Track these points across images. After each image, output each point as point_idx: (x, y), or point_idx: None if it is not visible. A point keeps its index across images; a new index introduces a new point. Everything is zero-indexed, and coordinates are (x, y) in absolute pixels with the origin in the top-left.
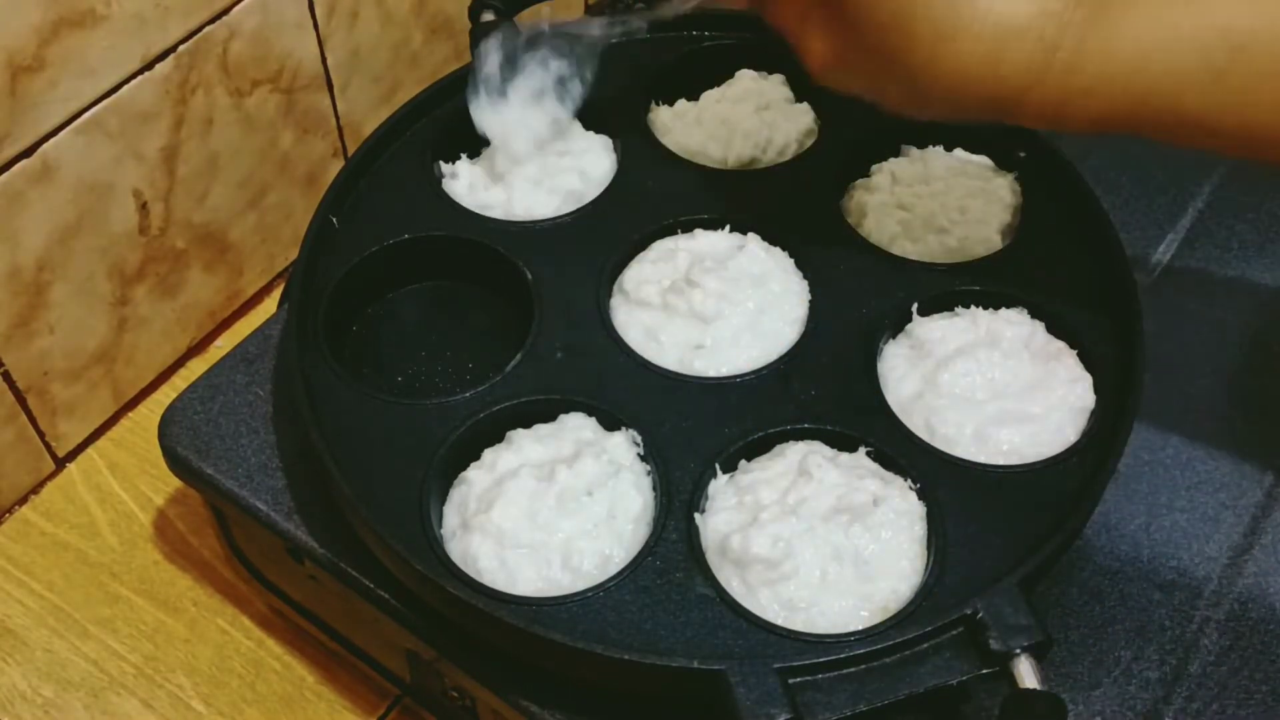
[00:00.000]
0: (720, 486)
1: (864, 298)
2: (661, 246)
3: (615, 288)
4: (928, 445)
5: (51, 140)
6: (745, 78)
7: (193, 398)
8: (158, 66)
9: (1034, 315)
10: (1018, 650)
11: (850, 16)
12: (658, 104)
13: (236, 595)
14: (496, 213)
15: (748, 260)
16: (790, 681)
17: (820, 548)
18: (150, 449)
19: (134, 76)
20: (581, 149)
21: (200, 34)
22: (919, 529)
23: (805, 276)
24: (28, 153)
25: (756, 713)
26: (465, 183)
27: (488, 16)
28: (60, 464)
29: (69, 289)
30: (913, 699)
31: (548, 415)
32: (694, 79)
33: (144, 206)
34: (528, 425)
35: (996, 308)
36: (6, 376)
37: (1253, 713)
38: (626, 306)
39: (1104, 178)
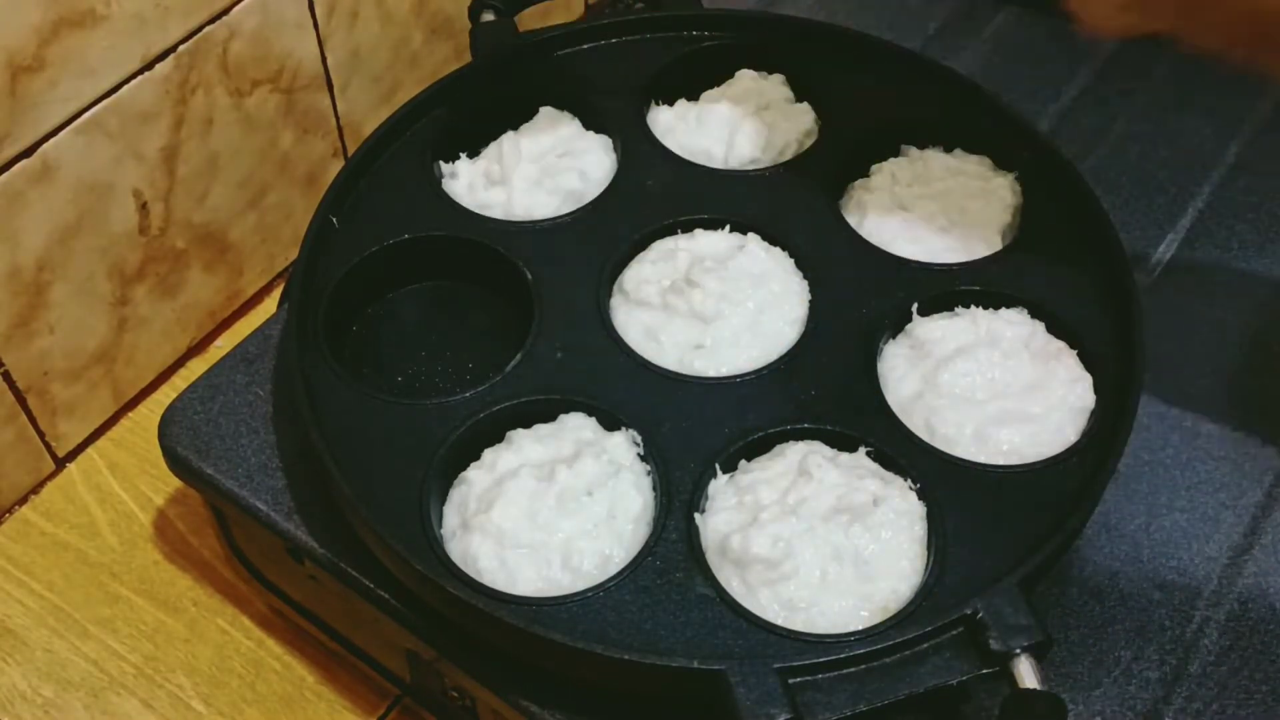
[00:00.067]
0: (720, 486)
1: (864, 298)
2: (661, 246)
3: (615, 288)
4: (928, 445)
5: (51, 140)
6: (745, 78)
7: (193, 398)
8: (158, 66)
9: (1034, 315)
10: (1018, 650)
11: None
12: (658, 104)
13: (236, 595)
14: (496, 213)
15: (748, 260)
16: (790, 681)
17: (820, 548)
18: (150, 449)
19: (134, 76)
20: (581, 149)
21: (200, 34)
22: (919, 529)
23: (805, 276)
24: (28, 153)
25: (756, 713)
26: (465, 183)
27: (488, 16)
28: (60, 464)
29: (69, 289)
30: (913, 699)
31: (548, 415)
32: (694, 79)
33: (144, 206)
34: (528, 425)
35: (996, 308)
36: (6, 376)
37: (1253, 713)
38: (626, 306)
39: (1104, 178)
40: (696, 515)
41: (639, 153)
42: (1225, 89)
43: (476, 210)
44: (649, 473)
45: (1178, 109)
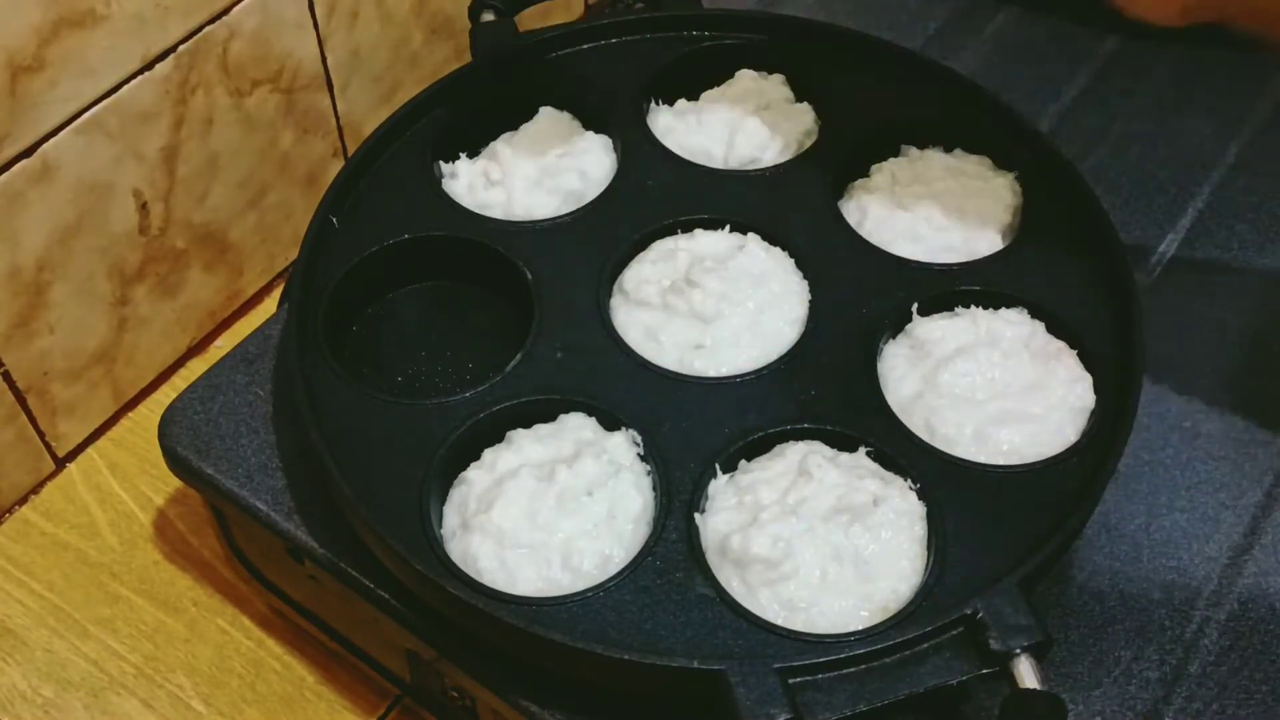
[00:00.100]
0: (720, 486)
1: (864, 298)
2: (661, 246)
3: (615, 288)
4: (928, 445)
5: (51, 140)
6: (745, 78)
7: (193, 398)
8: (158, 66)
9: (1034, 315)
10: (1018, 650)
11: None
12: (658, 104)
13: (236, 595)
14: (496, 213)
15: (748, 260)
16: (790, 681)
17: (820, 548)
18: (150, 449)
19: (134, 76)
20: (581, 149)
21: (200, 34)
22: (919, 529)
23: (805, 276)
24: (28, 153)
25: (756, 713)
26: (465, 183)
27: (488, 16)
28: (60, 464)
29: (69, 289)
30: (913, 699)
31: (548, 415)
32: (694, 79)
33: (144, 206)
34: (528, 425)
35: (996, 308)
36: (6, 376)
37: (1253, 713)
38: (626, 306)
39: (1104, 178)
40: (696, 515)
41: (639, 153)
42: (1225, 89)
43: (476, 210)
44: (649, 473)
45: (1178, 109)
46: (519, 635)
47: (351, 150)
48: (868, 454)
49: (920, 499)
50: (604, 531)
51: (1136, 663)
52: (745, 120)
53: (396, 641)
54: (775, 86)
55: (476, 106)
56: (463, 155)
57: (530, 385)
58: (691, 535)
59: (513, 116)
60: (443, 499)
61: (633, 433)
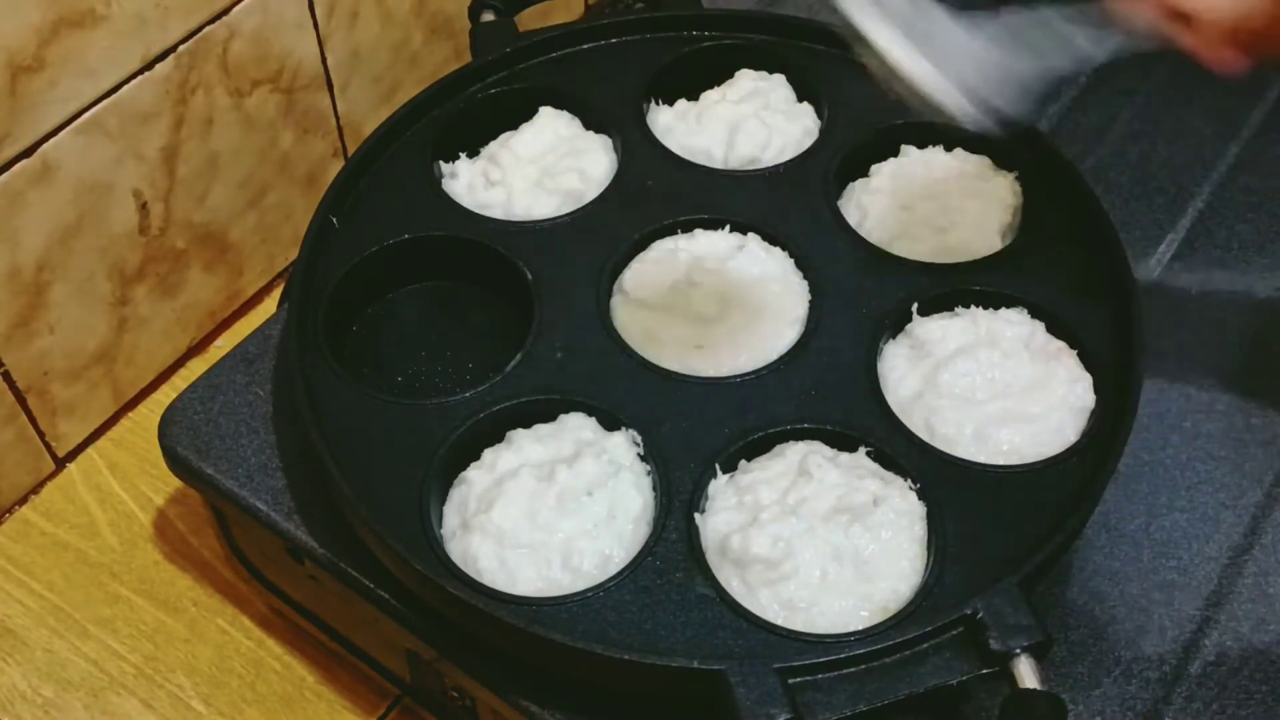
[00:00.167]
0: (720, 486)
1: (864, 298)
2: (661, 246)
3: (615, 288)
4: (928, 445)
5: (51, 140)
6: (745, 78)
7: (193, 398)
8: (158, 66)
9: (1034, 315)
10: (1018, 650)
11: None
12: (658, 104)
13: (236, 595)
14: (496, 213)
15: (748, 260)
16: (790, 681)
17: (820, 548)
18: (150, 449)
19: (134, 76)
20: (581, 149)
21: (200, 34)
22: (919, 529)
23: (805, 276)
24: (28, 153)
25: (756, 713)
26: (465, 183)
27: (488, 16)
28: (60, 464)
29: (69, 289)
30: (913, 699)
31: (548, 415)
32: (694, 79)
33: (144, 206)
34: (528, 425)
35: (996, 308)
36: (6, 376)
37: (1253, 713)
38: (626, 306)
39: (1104, 178)
40: (696, 515)
41: (639, 153)
42: (1225, 89)
43: (476, 210)
44: (649, 473)
45: (1178, 109)
46: (519, 635)
47: (351, 150)
48: (868, 454)
49: (920, 499)
50: (604, 531)
51: (1136, 663)
52: (745, 120)
53: (396, 641)
54: (775, 86)
55: (476, 106)
56: (463, 155)
57: (530, 385)
58: (691, 535)
59: (513, 116)
60: (443, 499)
61: (633, 433)
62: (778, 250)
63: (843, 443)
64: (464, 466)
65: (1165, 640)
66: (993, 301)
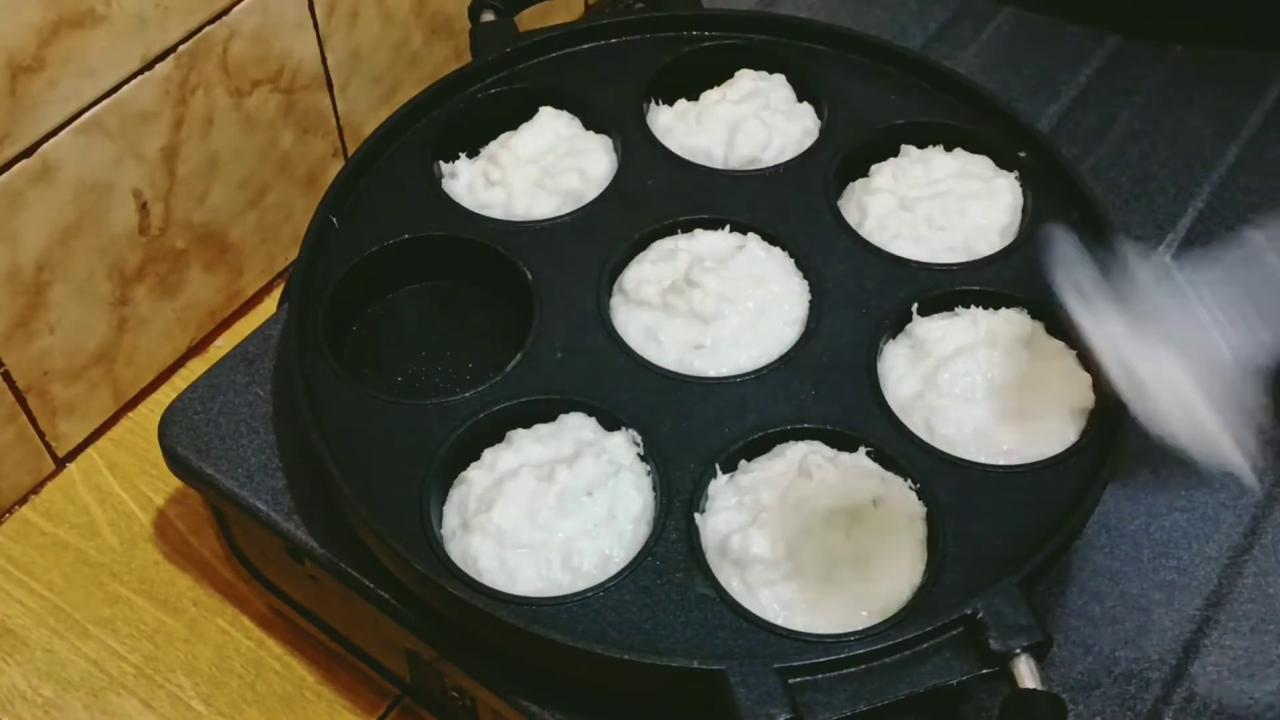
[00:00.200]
0: (720, 486)
1: (864, 298)
2: (661, 246)
3: (615, 288)
4: (928, 445)
5: (51, 140)
6: (745, 78)
7: (193, 398)
8: (158, 66)
9: (1034, 315)
10: (1018, 650)
11: None
12: (658, 104)
13: (236, 595)
14: (496, 213)
15: (748, 260)
16: (790, 681)
17: (820, 548)
18: (150, 449)
19: (134, 76)
20: (581, 149)
21: (200, 34)
22: (919, 529)
23: (805, 276)
24: (28, 153)
25: (756, 713)
26: (465, 183)
27: (488, 16)
28: (60, 464)
29: (69, 289)
30: (913, 699)
31: (548, 415)
32: (694, 79)
33: (144, 206)
34: (528, 425)
35: (996, 308)
36: (6, 376)
37: (1253, 713)
38: (626, 306)
39: (1104, 178)
40: (696, 515)
41: (639, 153)
42: (1225, 89)
43: (476, 210)
44: (649, 473)
45: (1178, 109)
46: (519, 635)
47: (351, 150)
48: (868, 454)
49: (920, 499)
50: (604, 531)
51: (1136, 663)
52: (745, 120)
53: (396, 641)
54: (775, 86)
55: (477, 106)
56: (463, 155)
57: (530, 385)
58: (691, 535)
59: (513, 116)
60: (443, 499)
61: (633, 433)
62: (778, 250)
63: (843, 443)
64: (464, 466)
65: (1165, 640)
66: (993, 301)
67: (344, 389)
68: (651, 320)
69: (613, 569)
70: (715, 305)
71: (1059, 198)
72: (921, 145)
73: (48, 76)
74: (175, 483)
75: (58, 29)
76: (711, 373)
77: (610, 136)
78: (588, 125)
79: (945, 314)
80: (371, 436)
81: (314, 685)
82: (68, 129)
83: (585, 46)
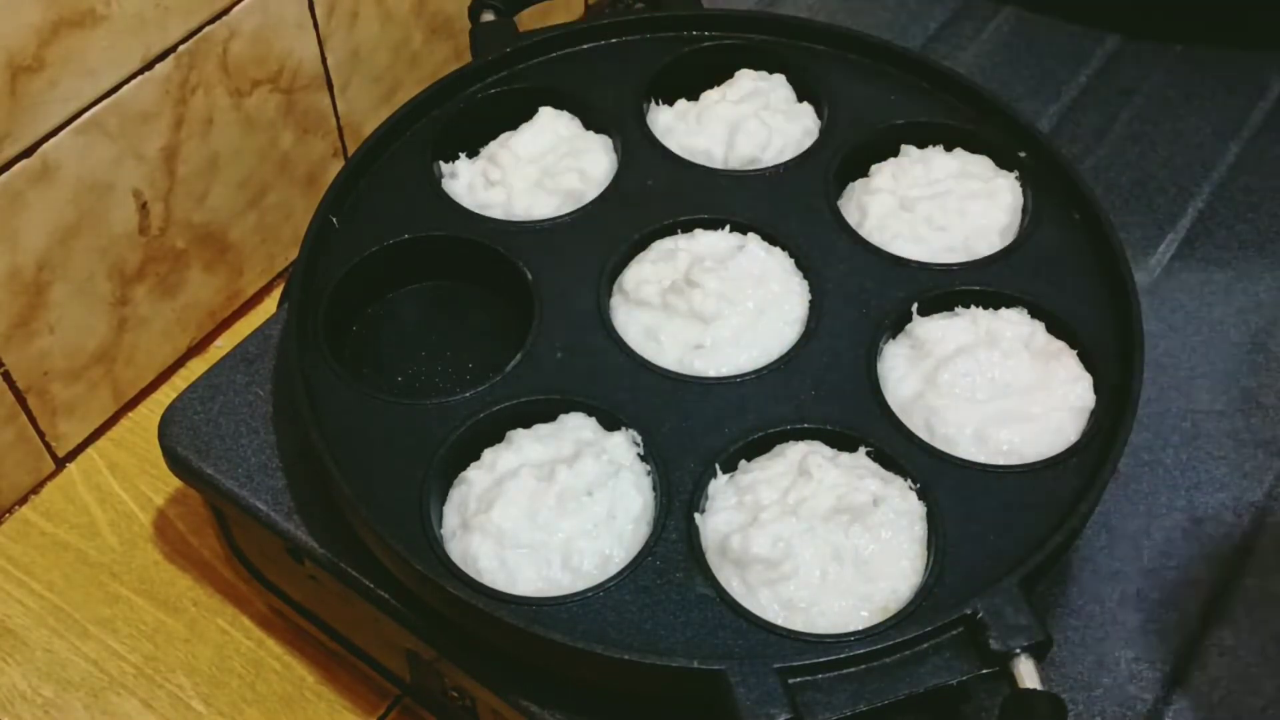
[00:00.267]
0: (720, 486)
1: (864, 298)
2: (661, 246)
3: (615, 288)
4: (928, 445)
5: (51, 140)
6: (745, 78)
7: (193, 398)
8: (158, 66)
9: (1034, 315)
10: (1018, 650)
11: None
12: (658, 104)
13: (236, 595)
14: (496, 213)
15: (748, 260)
16: (790, 681)
17: (820, 548)
18: (150, 449)
19: (134, 76)
20: (581, 149)
21: (200, 34)
22: (919, 529)
23: (805, 276)
24: (28, 153)
25: (756, 713)
26: (465, 183)
27: (488, 16)
28: (60, 464)
29: (69, 289)
30: (913, 699)
31: (548, 415)
32: (694, 79)
33: (144, 206)
34: (528, 425)
35: (996, 308)
36: (6, 376)
37: (1253, 713)
38: (626, 306)
39: (1104, 178)
40: (696, 515)
41: (639, 153)
42: (1225, 89)
43: (476, 210)
44: (649, 473)
45: (1178, 109)
46: (519, 635)
47: (351, 150)
48: (868, 454)
49: (920, 499)
50: (604, 531)
51: (1136, 663)
52: (745, 120)
53: (396, 641)
54: (775, 86)
55: (477, 106)
56: (463, 155)
57: (530, 385)
58: (691, 535)
59: (513, 116)
60: (443, 499)
61: (633, 433)
62: (778, 250)
63: (843, 443)
64: (464, 466)
65: (1165, 640)
66: (993, 301)
67: (344, 389)
68: (651, 320)
69: (613, 569)
70: (715, 305)
71: (1059, 198)
72: (921, 145)
73: (48, 76)
74: (175, 483)
75: (58, 29)
76: (711, 373)
77: (610, 136)
78: (588, 125)
79: (945, 314)
80: (371, 436)
81: (314, 685)
82: (68, 129)
83: (585, 46)
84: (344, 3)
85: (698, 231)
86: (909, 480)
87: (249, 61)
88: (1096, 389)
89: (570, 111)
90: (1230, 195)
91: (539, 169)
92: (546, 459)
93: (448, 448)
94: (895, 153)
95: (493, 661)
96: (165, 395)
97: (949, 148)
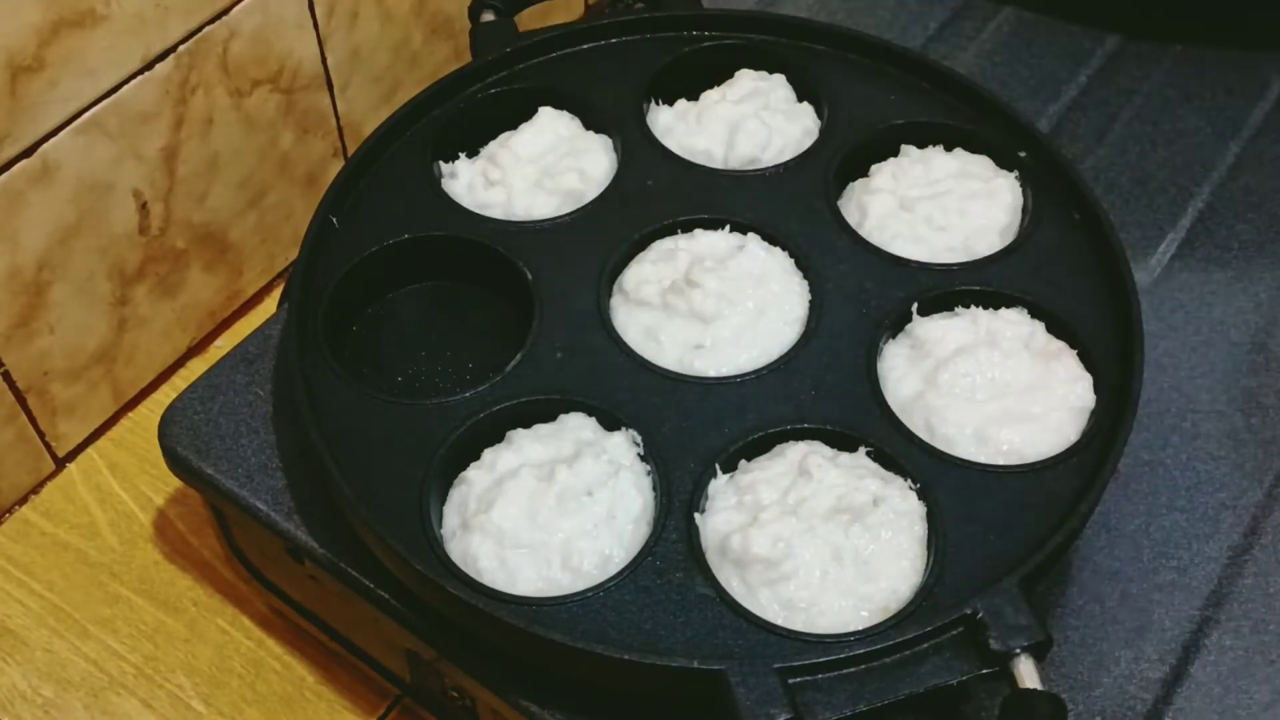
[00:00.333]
0: (720, 486)
1: (864, 298)
2: (661, 246)
3: (615, 288)
4: (928, 445)
5: (51, 140)
6: (745, 78)
7: (193, 398)
8: (158, 66)
9: (1034, 315)
10: (1018, 650)
11: None
12: (658, 104)
13: (236, 595)
14: (496, 213)
15: (748, 260)
16: (790, 681)
17: (820, 548)
18: (150, 449)
19: (134, 76)
20: (581, 149)
21: (200, 34)
22: (919, 529)
23: (805, 276)
24: (28, 153)
25: (756, 713)
26: (465, 183)
27: (488, 16)
28: (60, 464)
29: (69, 289)
30: (913, 699)
31: (548, 415)
32: (694, 79)
33: (144, 206)
34: (528, 425)
35: (996, 308)
36: (6, 376)
37: (1253, 713)
38: (626, 306)
39: (1104, 178)
40: (696, 515)
41: (639, 153)
42: (1225, 89)
43: (476, 210)
44: (649, 473)
45: (1178, 109)
46: (519, 635)
47: (351, 150)
48: (868, 454)
49: (920, 499)
50: (604, 531)
51: (1136, 663)
52: (745, 120)
53: (396, 641)
54: (775, 86)
55: (477, 106)
56: (463, 155)
57: (530, 385)
58: (691, 535)
59: (513, 116)
60: (443, 499)
61: (633, 433)
62: (778, 250)
63: (843, 443)
64: (464, 466)
65: (1165, 640)
66: (993, 301)
67: (344, 389)
68: (651, 320)
69: (613, 569)
70: (715, 305)
71: (1059, 198)
72: (921, 145)
73: (48, 76)
74: (175, 483)
75: (58, 29)
76: (711, 373)
77: (610, 136)
78: (588, 125)
79: (945, 314)
80: (371, 436)
81: (314, 685)
82: (68, 129)
83: (585, 46)
84: (344, 3)
85: (698, 231)
86: (909, 480)
87: (249, 61)
88: (1096, 389)
89: (570, 111)
90: (1230, 195)
91: (539, 169)
92: (546, 459)
93: (448, 448)
94: (895, 153)
95: (493, 661)
96: (165, 395)
97: (949, 148)
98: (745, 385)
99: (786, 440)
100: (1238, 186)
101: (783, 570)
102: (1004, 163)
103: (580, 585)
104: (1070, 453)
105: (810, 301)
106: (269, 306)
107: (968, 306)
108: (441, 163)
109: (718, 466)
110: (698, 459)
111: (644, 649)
